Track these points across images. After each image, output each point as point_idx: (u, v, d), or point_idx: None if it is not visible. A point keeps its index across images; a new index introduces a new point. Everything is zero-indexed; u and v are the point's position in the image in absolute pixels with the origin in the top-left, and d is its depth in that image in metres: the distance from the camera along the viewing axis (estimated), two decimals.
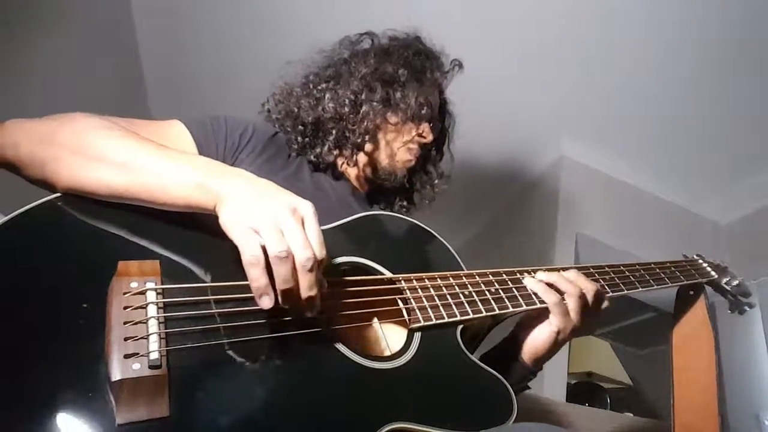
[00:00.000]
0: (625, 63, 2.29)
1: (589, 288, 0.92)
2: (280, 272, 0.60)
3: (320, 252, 0.63)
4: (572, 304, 0.90)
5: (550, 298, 0.89)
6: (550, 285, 0.92)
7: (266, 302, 0.61)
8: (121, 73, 2.78)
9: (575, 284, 0.92)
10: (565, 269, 0.97)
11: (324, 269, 0.66)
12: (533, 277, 0.94)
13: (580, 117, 2.63)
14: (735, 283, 1.22)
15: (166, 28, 2.64)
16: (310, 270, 0.61)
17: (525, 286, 0.92)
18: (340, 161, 1.13)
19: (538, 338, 0.92)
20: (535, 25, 2.21)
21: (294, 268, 0.61)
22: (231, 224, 0.63)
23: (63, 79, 2.23)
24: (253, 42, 2.59)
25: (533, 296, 0.91)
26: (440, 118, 1.28)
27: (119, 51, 2.69)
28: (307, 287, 0.62)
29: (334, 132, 1.09)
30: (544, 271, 0.95)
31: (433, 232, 0.97)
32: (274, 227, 0.61)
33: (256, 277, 0.60)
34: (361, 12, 2.18)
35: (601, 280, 0.99)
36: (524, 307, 0.89)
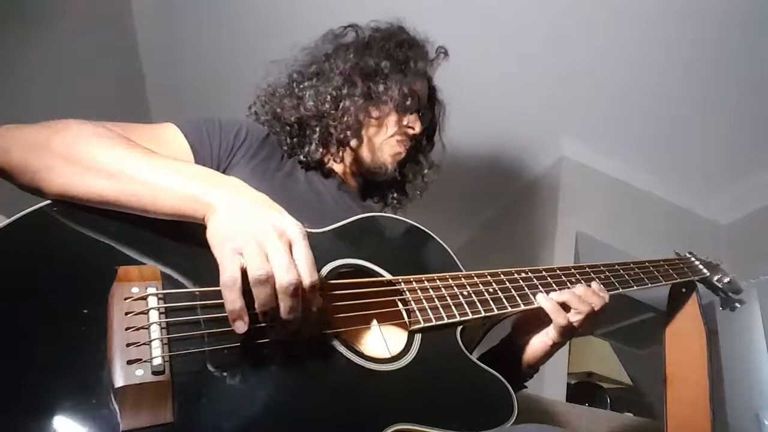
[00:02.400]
0: (625, 63, 2.29)
1: (598, 303, 0.93)
2: (259, 295, 0.59)
3: (309, 276, 0.61)
4: (579, 320, 0.92)
5: (558, 320, 0.91)
6: (561, 303, 0.92)
7: (240, 327, 0.58)
8: (121, 73, 2.78)
9: (587, 302, 0.92)
10: (564, 269, 0.98)
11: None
12: (543, 292, 0.94)
13: (580, 117, 2.63)
14: (726, 280, 1.23)
15: (166, 28, 2.64)
16: (293, 295, 0.59)
17: (523, 287, 0.92)
18: (327, 158, 1.12)
19: (535, 348, 0.96)
20: (536, 24, 2.21)
21: (275, 293, 0.59)
22: (215, 242, 0.62)
23: (63, 79, 2.24)
24: (254, 42, 2.59)
25: (531, 296, 0.92)
26: (430, 107, 1.27)
27: (119, 51, 2.69)
28: (286, 311, 0.60)
29: (317, 130, 1.08)
30: (556, 290, 0.95)
31: (431, 233, 0.98)
32: (258, 249, 0.59)
33: (230, 299, 0.58)
34: (360, 12, 2.18)
35: (596, 279, 1.00)
36: (522, 308, 0.90)
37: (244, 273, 0.59)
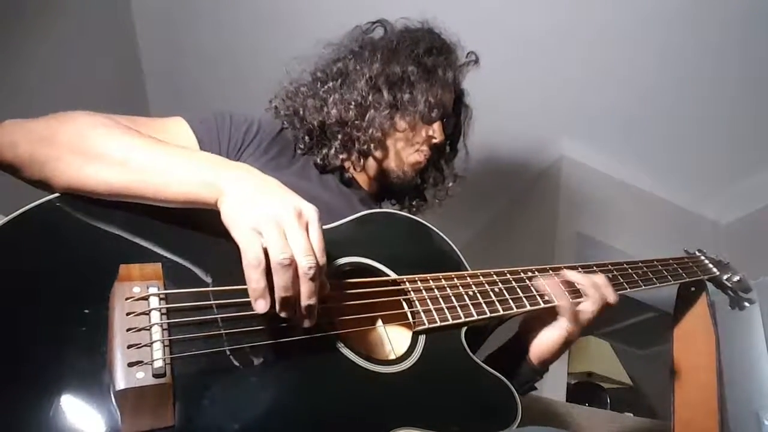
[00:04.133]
0: (625, 63, 2.29)
1: (612, 298, 0.91)
2: (281, 279, 0.58)
3: (321, 259, 0.61)
4: (590, 307, 0.89)
5: (563, 303, 0.88)
6: (570, 285, 0.91)
7: (261, 306, 0.58)
8: (121, 73, 2.77)
9: (601, 291, 0.90)
10: (572, 268, 0.96)
11: (326, 272, 0.65)
12: (553, 275, 0.92)
13: (580, 117, 2.63)
14: (736, 279, 1.21)
15: (166, 27, 2.64)
16: (312, 279, 0.60)
17: (529, 287, 0.90)
18: (347, 165, 1.10)
19: (547, 340, 0.91)
20: (536, 24, 2.21)
21: (295, 276, 0.59)
22: (233, 222, 0.61)
23: (63, 79, 2.23)
24: (253, 42, 2.59)
25: (538, 297, 0.89)
26: (455, 112, 1.24)
27: (119, 51, 2.69)
28: (307, 296, 0.60)
29: (339, 136, 1.06)
30: (579, 271, 0.93)
31: (437, 230, 0.96)
32: (278, 229, 0.59)
33: (255, 279, 0.58)
34: (362, 11, 2.17)
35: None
36: (528, 308, 0.88)
37: (265, 253, 0.59)
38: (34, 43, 2.02)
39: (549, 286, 0.90)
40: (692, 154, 2.66)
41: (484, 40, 2.21)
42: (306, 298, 0.60)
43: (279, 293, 0.59)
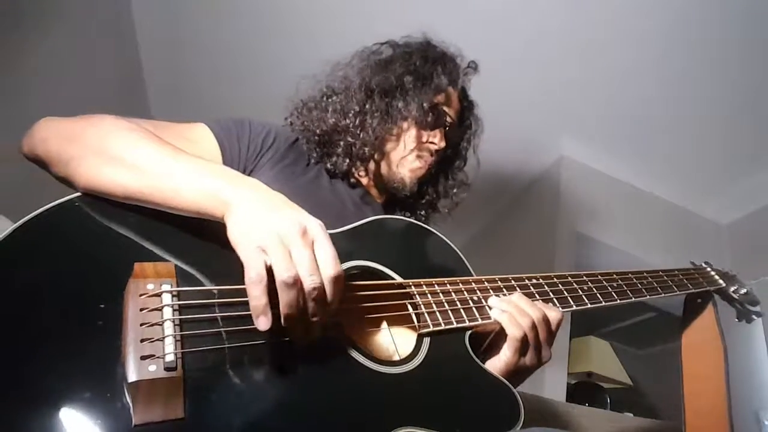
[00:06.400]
0: (624, 63, 2.29)
1: (537, 315, 0.84)
2: (285, 297, 0.59)
3: (333, 271, 0.61)
4: (530, 341, 0.83)
5: (513, 332, 0.82)
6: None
7: (263, 323, 0.58)
8: (121, 73, 2.77)
9: (527, 314, 0.84)
10: (576, 275, 0.97)
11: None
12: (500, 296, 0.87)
13: (580, 117, 2.64)
14: (743, 291, 1.20)
15: (167, 28, 2.64)
16: (317, 298, 0.60)
17: (533, 293, 0.91)
18: (353, 170, 1.14)
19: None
20: (536, 24, 2.22)
21: (301, 294, 0.60)
22: (238, 239, 0.62)
23: (63, 79, 2.23)
24: (253, 43, 2.58)
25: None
26: (461, 122, 1.26)
27: (119, 51, 2.69)
28: (312, 314, 0.61)
29: (341, 143, 1.11)
30: (514, 293, 0.88)
31: (442, 236, 0.97)
32: (283, 248, 0.60)
33: (256, 296, 0.58)
34: (360, 13, 2.18)
35: (608, 287, 0.99)
36: None
37: (269, 271, 0.59)
38: (34, 44, 2.02)
39: (497, 315, 0.84)
40: (692, 154, 2.67)
41: (484, 40, 2.23)
42: (311, 316, 0.61)
43: (284, 311, 0.60)
